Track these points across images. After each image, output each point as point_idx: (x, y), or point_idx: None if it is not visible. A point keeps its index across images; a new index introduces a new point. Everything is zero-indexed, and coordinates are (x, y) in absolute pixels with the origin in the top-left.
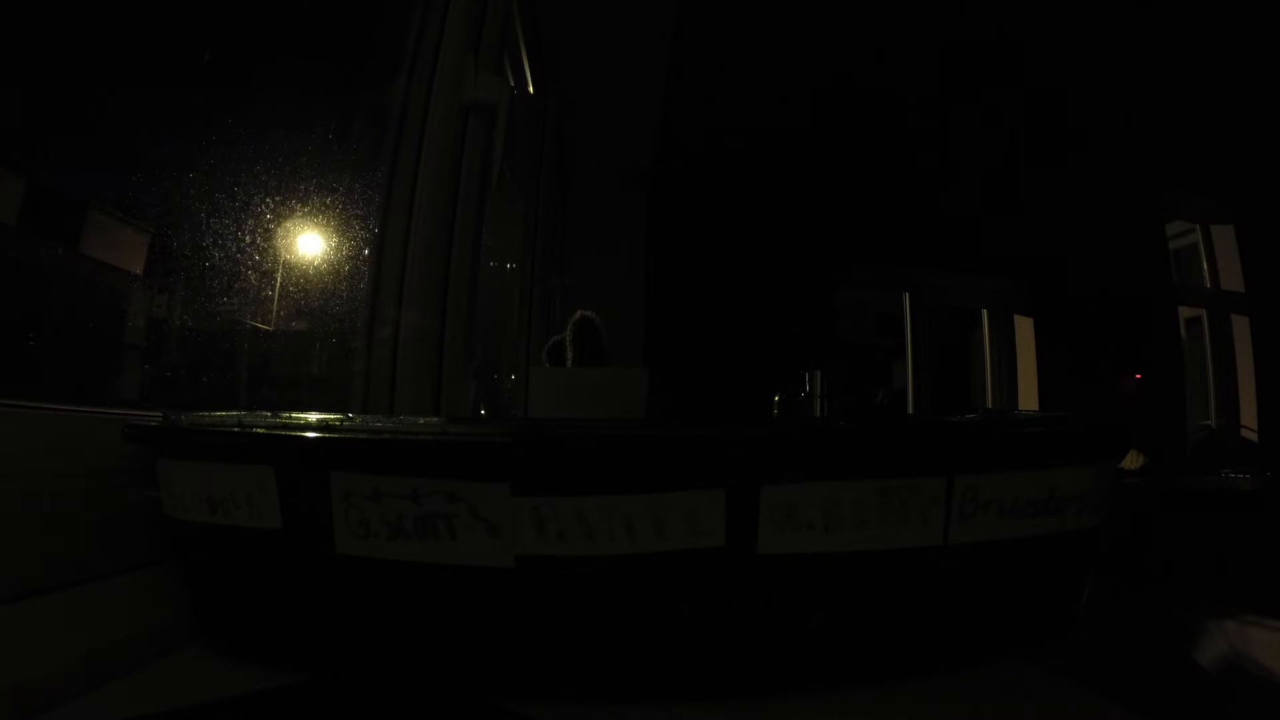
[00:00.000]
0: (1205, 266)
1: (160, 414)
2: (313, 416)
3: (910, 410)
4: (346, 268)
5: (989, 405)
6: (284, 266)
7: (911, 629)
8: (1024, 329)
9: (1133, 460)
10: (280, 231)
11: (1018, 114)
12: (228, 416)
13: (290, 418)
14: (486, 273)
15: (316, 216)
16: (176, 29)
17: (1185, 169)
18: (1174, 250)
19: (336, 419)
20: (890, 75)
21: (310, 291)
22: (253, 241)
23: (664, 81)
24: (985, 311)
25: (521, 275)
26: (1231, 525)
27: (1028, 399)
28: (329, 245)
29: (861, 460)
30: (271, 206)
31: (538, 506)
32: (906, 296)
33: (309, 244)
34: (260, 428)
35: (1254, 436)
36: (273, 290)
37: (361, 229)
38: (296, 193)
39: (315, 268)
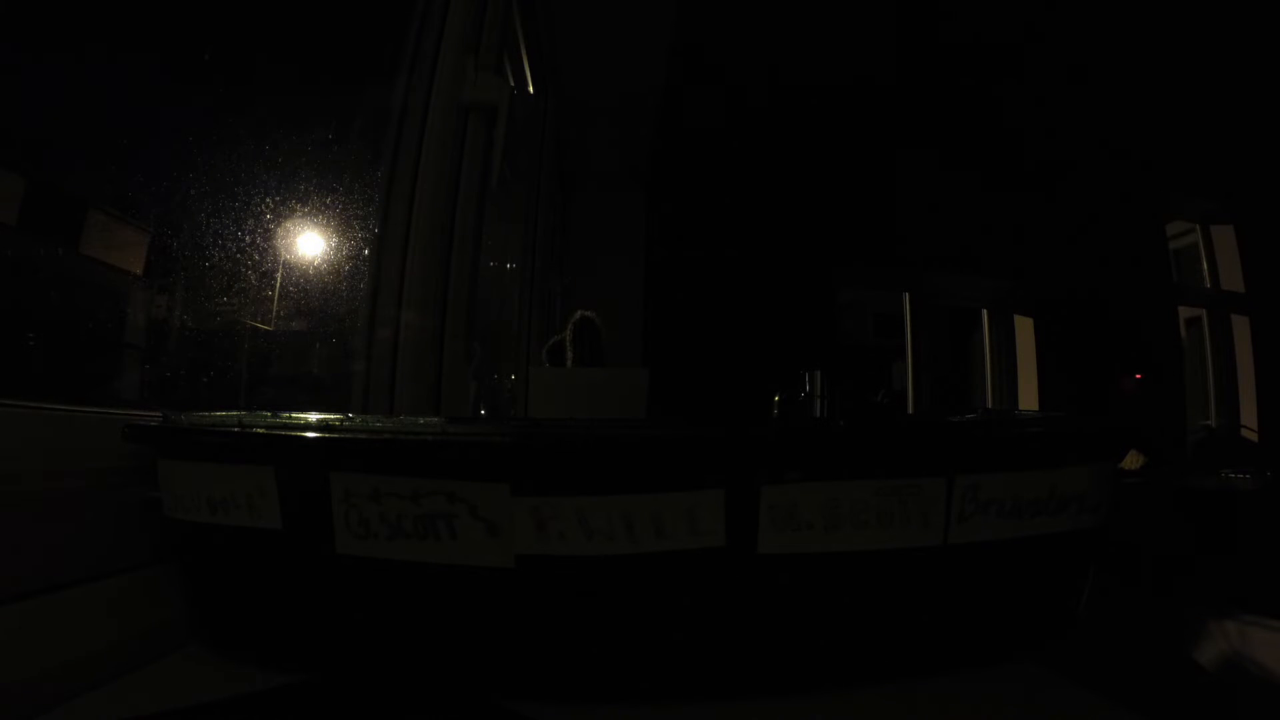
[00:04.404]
0: (1205, 266)
1: (160, 414)
2: (313, 417)
3: (910, 410)
4: (346, 268)
5: (989, 405)
6: (284, 266)
7: (911, 629)
8: (1024, 329)
9: (1133, 460)
10: (280, 231)
11: (1018, 114)
12: (228, 417)
13: (290, 418)
14: (486, 273)
15: (316, 216)
16: (177, 29)
17: (1185, 169)
18: (1174, 250)
19: (336, 419)
20: (891, 74)
21: (310, 291)
22: (253, 241)
23: (664, 81)
24: (985, 311)
25: (521, 275)
26: (1231, 525)
27: (1028, 399)
28: (329, 245)
29: (861, 460)
30: (271, 206)
31: (538, 506)
32: (906, 296)
33: (309, 244)
34: (260, 428)
35: (1254, 436)
36: (273, 290)
37: (361, 229)
38: (296, 193)
39: (315, 268)
